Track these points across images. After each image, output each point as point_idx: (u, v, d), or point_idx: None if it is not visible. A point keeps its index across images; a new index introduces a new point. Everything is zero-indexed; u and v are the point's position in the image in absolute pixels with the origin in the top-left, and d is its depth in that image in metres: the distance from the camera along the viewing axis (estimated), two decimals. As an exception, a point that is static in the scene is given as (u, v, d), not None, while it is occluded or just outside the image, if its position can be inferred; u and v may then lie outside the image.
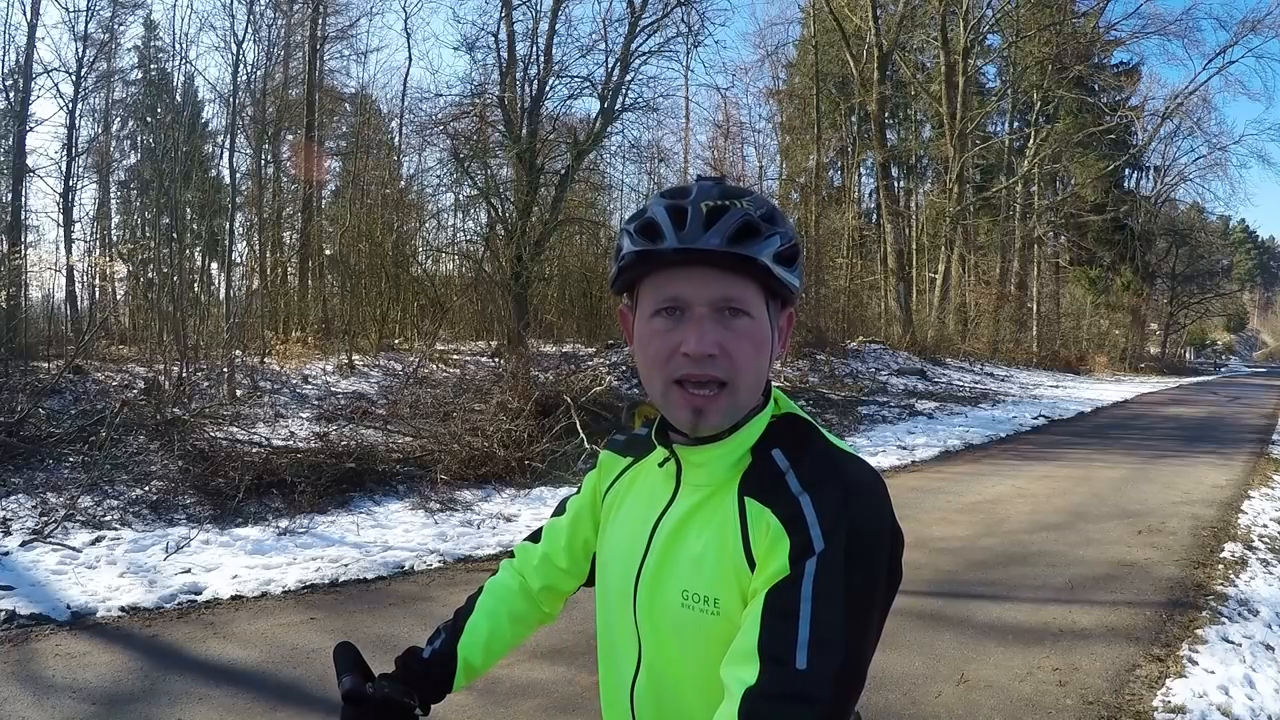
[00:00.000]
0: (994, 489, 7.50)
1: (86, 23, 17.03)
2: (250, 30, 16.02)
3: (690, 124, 25.75)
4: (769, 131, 30.85)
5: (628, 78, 12.89)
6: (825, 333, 18.16)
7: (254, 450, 6.85)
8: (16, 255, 11.70)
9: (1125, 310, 34.63)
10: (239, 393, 9.52)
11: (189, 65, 22.55)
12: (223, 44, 25.20)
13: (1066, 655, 3.63)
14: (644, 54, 13.09)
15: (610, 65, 12.77)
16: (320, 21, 19.02)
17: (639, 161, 20.61)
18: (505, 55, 12.93)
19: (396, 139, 20.46)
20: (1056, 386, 20.72)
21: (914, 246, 27.32)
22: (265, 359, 11.47)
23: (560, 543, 1.11)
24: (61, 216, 17.33)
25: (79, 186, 18.80)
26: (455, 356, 12.51)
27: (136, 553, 4.93)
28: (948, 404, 14.51)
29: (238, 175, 15.92)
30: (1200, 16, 50.01)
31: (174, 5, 36.04)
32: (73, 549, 4.89)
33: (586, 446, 7.83)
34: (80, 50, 17.10)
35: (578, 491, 1.12)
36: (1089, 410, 15.60)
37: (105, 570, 4.64)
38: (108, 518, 5.57)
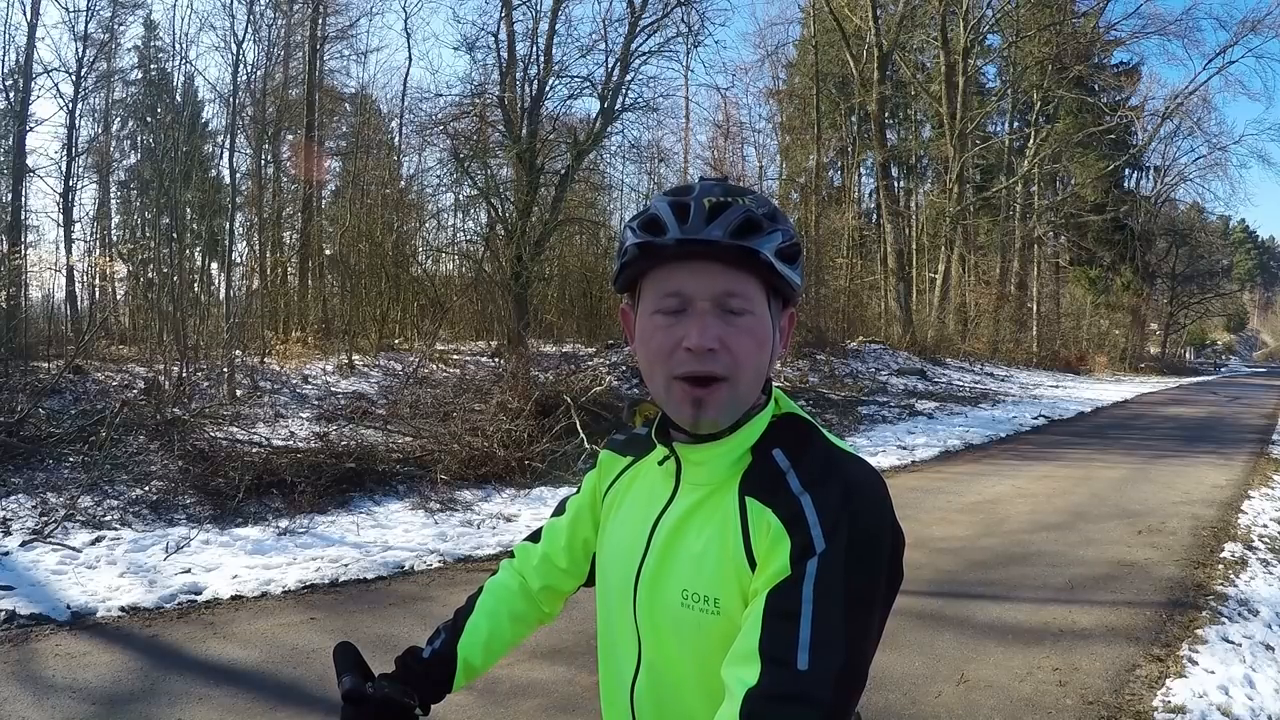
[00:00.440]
0: (994, 489, 7.50)
1: (86, 23, 17.06)
2: (250, 30, 16.04)
3: (690, 124, 25.79)
4: (769, 131, 30.91)
5: (628, 78, 12.91)
6: (825, 333, 18.16)
7: (254, 450, 6.85)
8: (16, 255, 11.70)
9: (1125, 310, 34.64)
10: (239, 393, 9.52)
11: (189, 65, 22.58)
12: (223, 44, 25.21)
13: (1066, 655, 3.63)
14: (644, 54, 13.11)
15: (610, 65, 12.79)
16: (320, 21, 19.04)
17: (639, 161, 20.64)
18: (505, 55, 12.94)
19: (396, 139, 20.49)
20: (1056, 386, 20.72)
21: (914, 246, 27.33)
22: (265, 359, 11.47)
23: (560, 543, 1.11)
24: (61, 216, 17.35)
25: (79, 186, 18.83)
26: (455, 356, 12.51)
27: (136, 553, 4.93)
28: (948, 404, 14.51)
29: (238, 175, 15.94)
30: (1200, 16, 50.10)
31: (174, 5, 36.07)
32: (73, 549, 4.89)
33: (586, 446, 7.83)
34: (80, 50, 17.12)
35: (578, 491, 1.12)
36: (1089, 410, 15.60)
37: (105, 570, 4.64)
38: (108, 518, 5.57)
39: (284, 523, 5.67)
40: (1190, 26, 34.72)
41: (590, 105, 27.23)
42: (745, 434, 0.87)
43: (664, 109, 21.20)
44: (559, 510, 1.14)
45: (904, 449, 9.86)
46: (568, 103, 15.13)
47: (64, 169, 17.26)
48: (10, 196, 14.60)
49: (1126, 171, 33.91)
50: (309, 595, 4.41)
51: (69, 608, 4.06)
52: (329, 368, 11.44)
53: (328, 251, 17.09)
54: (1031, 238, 30.33)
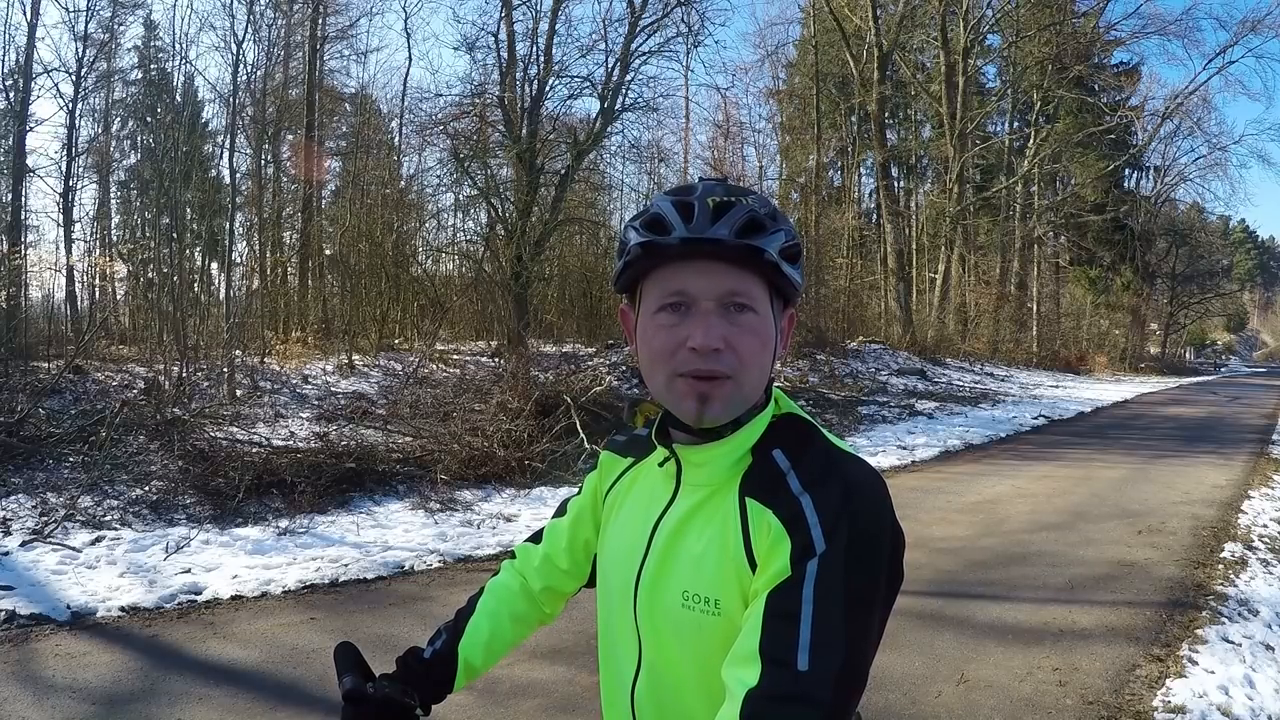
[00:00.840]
0: (994, 489, 7.50)
1: (86, 23, 17.06)
2: (250, 30, 16.04)
3: (690, 124, 25.78)
4: (769, 131, 30.91)
5: (628, 78, 12.91)
6: (825, 333, 18.16)
7: (254, 450, 6.85)
8: (16, 255, 11.70)
9: (1125, 310, 34.65)
10: (239, 393, 9.52)
11: (189, 65, 22.59)
12: (223, 44, 25.24)
13: (1066, 655, 3.63)
14: (644, 54, 13.11)
15: (610, 65, 12.79)
16: (320, 21, 19.04)
17: (639, 161, 20.63)
18: (505, 55, 12.94)
19: (396, 139, 20.49)
20: (1056, 386, 20.72)
21: (914, 246, 27.33)
22: (265, 359, 11.47)
23: (561, 544, 1.11)
24: (61, 216, 17.35)
25: (79, 186, 18.83)
26: (455, 356, 12.51)
27: (136, 553, 4.93)
28: (948, 404, 14.51)
29: (238, 175, 15.94)
30: (1200, 16, 50.25)
31: (174, 5, 36.13)
32: (73, 549, 4.89)
33: (586, 446, 7.83)
34: (80, 50, 17.12)
35: (578, 492, 1.12)
36: (1089, 410, 15.60)
37: (105, 570, 4.64)
38: (108, 518, 5.57)
39: (284, 523, 5.67)
40: (1190, 26, 34.83)
41: (590, 105, 27.28)
42: (745, 434, 0.87)
43: (664, 109, 21.25)
44: (560, 511, 1.14)
45: (904, 449, 9.86)
46: (568, 103, 15.17)
47: (64, 169, 17.28)
48: (10, 196, 14.60)
49: (1126, 171, 33.92)
50: (309, 595, 4.41)
51: (69, 608, 4.06)
52: (329, 368, 11.44)
53: (328, 251, 17.09)
54: (1031, 238, 30.34)
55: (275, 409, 9.07)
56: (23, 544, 4.94)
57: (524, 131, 12.30)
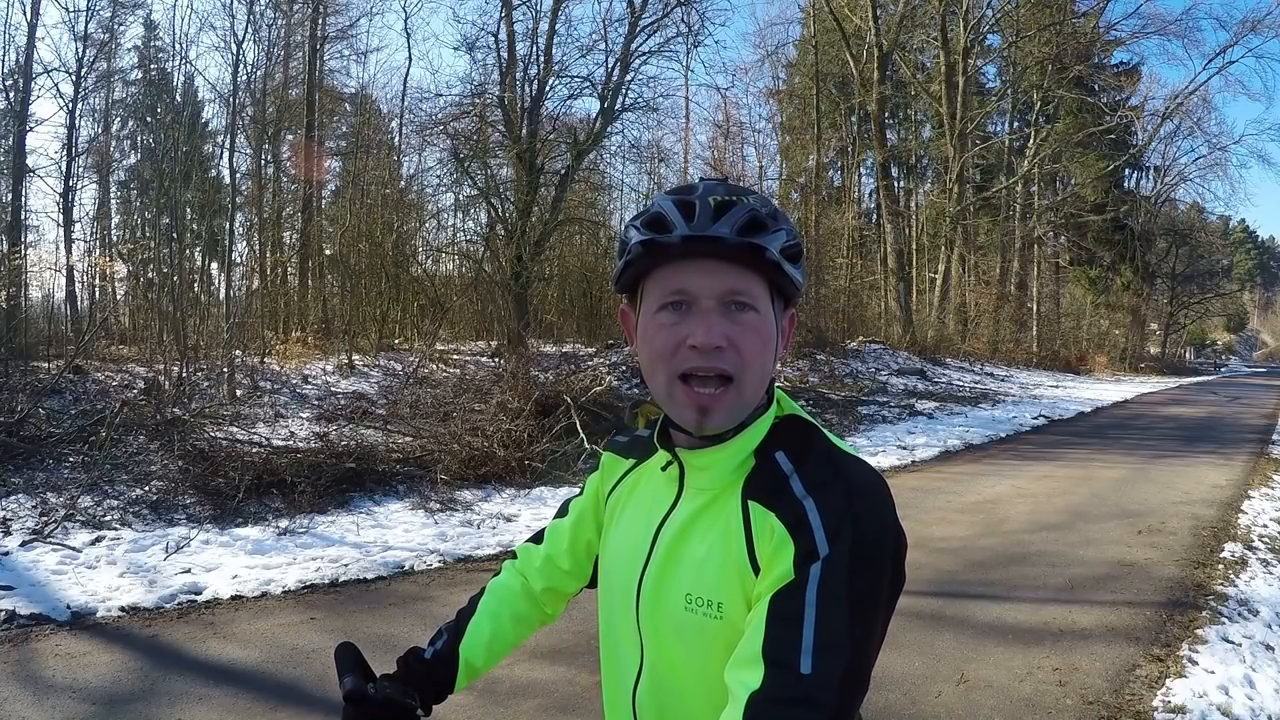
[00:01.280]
0: (994, 489, 7.50)
1: (86, 23, 17.06)
2: (250, 30, 16.03)
3: (690, 124, 25.75)
4: (769, 131, 30.90)
5: (628, 78, 12.92)
6: (825, 333, 18.16)
7: (254, 450, 6.85)
8: (16, 255, 11.70)
9: (1125, 310, 34.65)
10: (239, 393, 9.52)
11: (189, 65, 22.57)
12: (223, 44, 25.23)
13: (1066, 655, 3.63)
14: (644, 54, 13.12)
15: (610, 65, 12.80)
16: (320, 21, 19.04)
17: (639, 161, 20.63)
18: (505, 55, 12.94)
19: (396, 139, 20.49)
20: (1056, 386, 20.72)
21: (914, 246, 27.32)
22: (265, 359, 11.47)
23: (563, 544, 1.11)
24: (61, 216, 17.35)
25: (79, 186, 18.83)
26: (455, 356, 12.51)
27: (136, 553, 4.93)
28: (948, 404, 14.51)
29: (238, 175, 15.93)
30: (1200, 16, 50.18)
31: (174, 5, 36.12)
32: (73, 549, 4.89)
33: (586, 446, 7.83)
34: (80, 50, 17.12)
35: (580, 493, 1.12)
36: (1089, 410, 15.60)
37: (105, 570, 4.64)
38: (108, 518, 5.57)
39: (284, 523, 5.67)
40: (1190, 26, 34.81)
41: (590, 105, 27.27)
42: (748, 437, 0.86)
43: (664, 109, 21.24)
44: (561, 512, 1.14)
45: (904, 449, 9.86)
46: (568, 103, 15.17)
47: (64, 169, 17.27)
48: (10, 196, 14.61)
49: (1126, 171, 33.93)
50: (309, 595, 4.41)
51: (69, 608, 4.06)
52: (329, 368, 11.44)
53: (328, 251, 17.10)
54: (1031, 238, 30.33)
55: (275, 409, 9.07)
56: (23, 544, 4.94)
57: (524, 131, 12.31)
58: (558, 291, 17.33)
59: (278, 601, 4.31)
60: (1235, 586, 4.62)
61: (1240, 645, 3.73)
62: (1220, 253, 46.09)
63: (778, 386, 0.93)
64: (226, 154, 16.05)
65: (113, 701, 3.10)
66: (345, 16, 21.21)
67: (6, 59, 15.62)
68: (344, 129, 22.60)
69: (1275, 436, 11.83)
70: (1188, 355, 46.80)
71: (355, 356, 12.03)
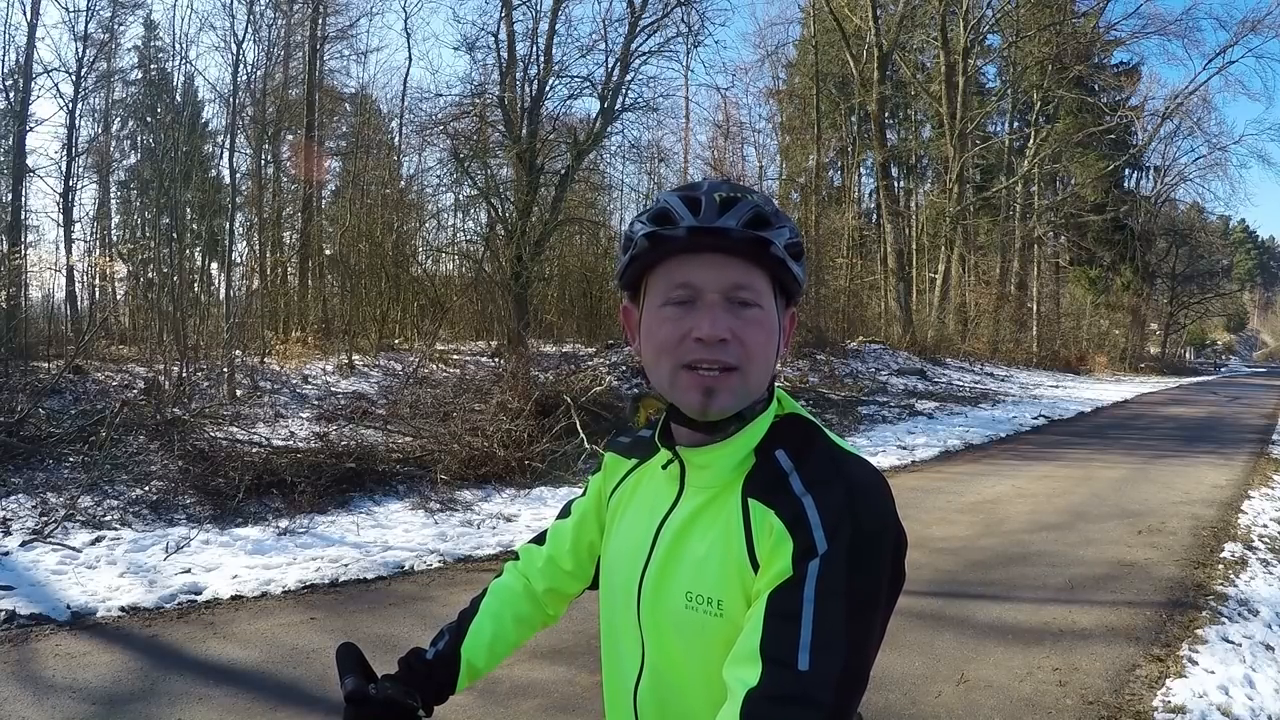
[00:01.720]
0: (994, 489, 7.50)
1: (86, 23, 17.05)
2: (250, 30, 16.03)
3: (690, 124, 25.77)
4: (769, 131, 30.91)
5: (628, 78, 12.92)
6: (825, 333, 18.16)
7: (254, 450, 6.85)
8: (16, 255, 11.71)
9: (1125, 310, 34.65)
10: (239, 393, 9.52)
11: (189, 65, 22.58)
12: (223, 44, 25.24)
13: (1066, 655, 3.63)
14: (644, 54, 13.12)
15: (610, 65, 12.80)
16: (320, 21, 19.04)
17: (639, 161, 20.64)
18: (505, 55, 12.94)
19: (396, 139, 20.49)
20: (1056, 386, 20.72)
21: (914, 246, 27.32)
22: (265, 359, 11.47)
23: (565, 545, 1.11)
24: (61, 216, 17.35)
25: (79, 186, 18.83)
26: (455, 356, 12.51)
27: (136, 553, 4.93)
28: (948, 404, 14.51)
29: (238, 175, 15.93)
30: (1200, 16, 50.20)
31: (174, 5, 36.14)
32: (73, 549, 4.89)
33: (586, 446, 7.83)
34: (80, 50, 17.12)
35: (582, 493, 1.12)
36: (1089, 410, 15.60)
37: (105, 570, 4.64)
38: (108, 518, 5.57)
39: (284, 523, 5.67)
40: (1190, 26, 34.80)
41: (590, 105, 27.28)
42: (749, 435, 0.87)
43: (664, 109, 21.23)
44: (564, 513, 1.14)
45: (904, 449, 9.86)
46: (568, 103, 15.17)
47: (64, 169, 17.28)
48: (10, 196, 14.61)
49: (1126, 171, 33.92)
50: (309, 595, 4.41)
51: (69, 608, 4.06)
52: (329, 368, 11.44)
53: (328, 251, 17.10)
54: (1031, 238, 30.34)
55: (275, 409, 9.07)
56: (23, 544, 4.94)
57: (524, 131, 12.31)
58: (558, 291, 17.33)
59: (278, 601, 4.31)
60: (1235, 586, 4.62)
61: (1240, 645, 3.73)
62: (1220, 253, 46.11)
63: (778, 386, 0.93)
64: (226, 154, 16.07)
65: (113, 701, 3.10)
66: (345, 16, 21.24)
67: (6, 59, 15.64)
68: (344, 129, 22.62)
69: (1275, 436, 11.83)
70: (1188, 355, 46.81)
71: (355, 356, 12.03)
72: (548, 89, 12.76)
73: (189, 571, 4.66)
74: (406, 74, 39.03)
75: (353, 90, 22.70)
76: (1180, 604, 4.32)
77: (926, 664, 3.52)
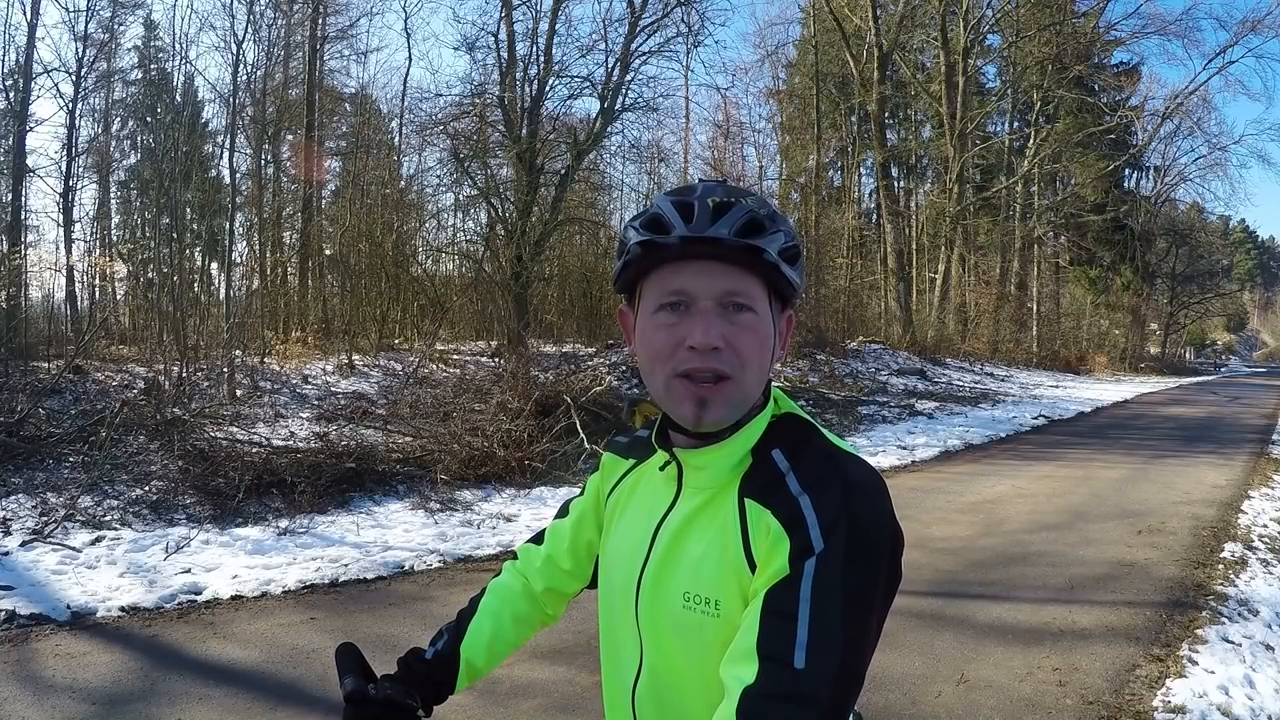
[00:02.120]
0: (994, 489, 7.50)
1: (86, 23, 17.06)
2: (250, 30, 16.04)
3: (690, 124, 25.77)
4: (769, 131, 30.92)
5: (628, 78, 12.91)
6: (825, 333, 18.16)
7: (254, 450, 6.85)
8: (16, 255, 11.71)
9: (1125, 310, 34.65)
10: (239, 393, 9.52)
11: (189, 65, 22.58)
12: (223, 44, 25.25)
13: (1066, 655, 3.63)
14: (644, 54, 13.11)
15: (610, 65, 12.79)
16: (320, 21, 19.04)
17: (639, 161, 20.64)
18: (505, 55, 12.94)
19: (396, 139, 20.48)
20: (1056, 386, 20.72)
21: (914, 246, 27.33)
22: (265, 359, 11.47)
23: (563, 545, 1.11)
24: (61, 216, 17.35)
25: (79, 186, 18.83)
26: (455, 356, 12.51)
27: (136, 553, 4.93)
28: (948, 404, 14.51)
29: (238, 175, 15.94)
30: (1200, 16, 50.24)
31: (174, 5, 36.17)
32: (73, 549, 4.89)
33: (586, 446, 7.83)
34: (80, 50, 17.12)
35: (581, 493, 1.12)
36: (1089, 410, 15.60)
37: (105, 570, 4.64)
38: (108, 518, 5.57)
39: (284, 523, 5.67)
40: (1190, 26, 34.83)
41: (590, 105, 27.29)
42: (745, 436, 0.87)
43: (664, 109, 21.24)
44: (562, 512, 1.14)
45: (904, 449, 9.86)
46: (568, 103, 15.19)
47: (64, 169, 17.28)
48: (10, 196, 14.61)
49: (1126, 171, 33.93)
50: (309, 595, 4.41)
51: (69, 608, 4.06)
52: (329, 368, 11.44)
53: (328, 251, 17.10)
54: (1031, 238, 30.34)
55: (275, 409, 9.07)
56: (23, 544, 4.94)
57: (524, 131, 12.30)
58: (558, 291, 17.33)
59: (278, 601, 4.31)
60: (1235, 586, 4.62)
61: (1240, 645, 3.73)
62: (1220, 253, 46.12)
63: (776, 386, 0.93)
64: (226, 154, 16.08)
65: (113, 701, 3.10)
66: (345, 16, 21.24)
67: (6, 59, 15.65)
68: (344, 129, 22.62)
69: (1275, 436, 11.83)
70: (1188, 355, 46.80)
71: (355, 356, 12.03)
72: (548, 89, 12.77)
73: (189, 571, 4.66)
74: (406, 74, 39.09)
75: (353, 90, 22.73)
76: (1180, 604, 4.32)
77: (926, 664, 3.52)
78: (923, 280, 27.18)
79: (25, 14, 15.06)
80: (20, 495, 5.76)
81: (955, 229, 25.16)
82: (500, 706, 3.08)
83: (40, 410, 7.28)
